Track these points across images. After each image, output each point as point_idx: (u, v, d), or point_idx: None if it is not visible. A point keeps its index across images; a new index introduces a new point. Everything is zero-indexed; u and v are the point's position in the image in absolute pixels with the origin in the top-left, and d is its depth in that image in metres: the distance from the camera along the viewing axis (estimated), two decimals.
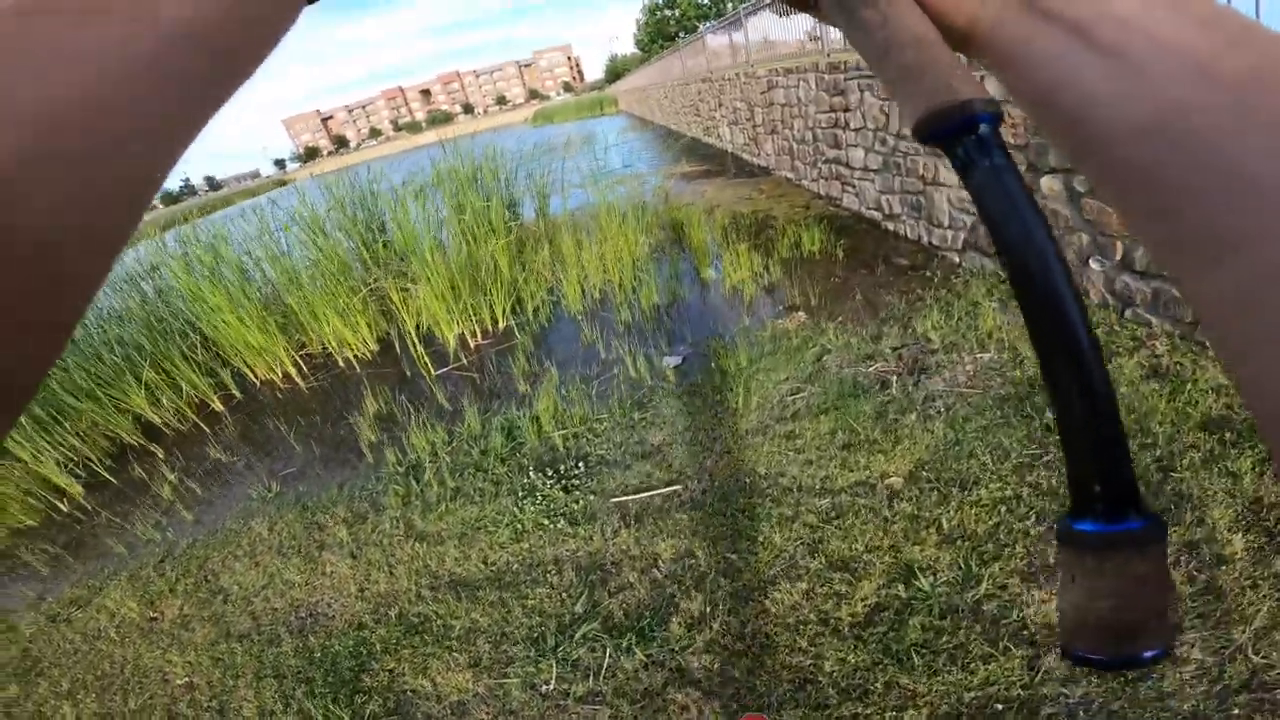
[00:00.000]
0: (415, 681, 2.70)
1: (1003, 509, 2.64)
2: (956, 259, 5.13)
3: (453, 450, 4.19)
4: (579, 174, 7.93)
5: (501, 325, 5.79)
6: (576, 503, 3.37)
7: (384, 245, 6.36)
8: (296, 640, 3.12)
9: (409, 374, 5.34)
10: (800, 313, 4.76)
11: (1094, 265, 3.86)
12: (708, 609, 2.59)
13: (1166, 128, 0.23)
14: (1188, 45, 0.23)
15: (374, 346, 6.12)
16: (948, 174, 4.94)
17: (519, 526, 3.33)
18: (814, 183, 8.15)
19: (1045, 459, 2.83)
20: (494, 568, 3.17)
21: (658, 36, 39.63)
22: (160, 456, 5.46)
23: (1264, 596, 2.10)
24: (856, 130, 6.44)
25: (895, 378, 3.67)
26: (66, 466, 5.36)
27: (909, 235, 5.86)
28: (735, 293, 5.51)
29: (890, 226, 6.21)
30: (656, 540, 2.99)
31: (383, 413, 4.97)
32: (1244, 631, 2.01)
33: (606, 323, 5.43)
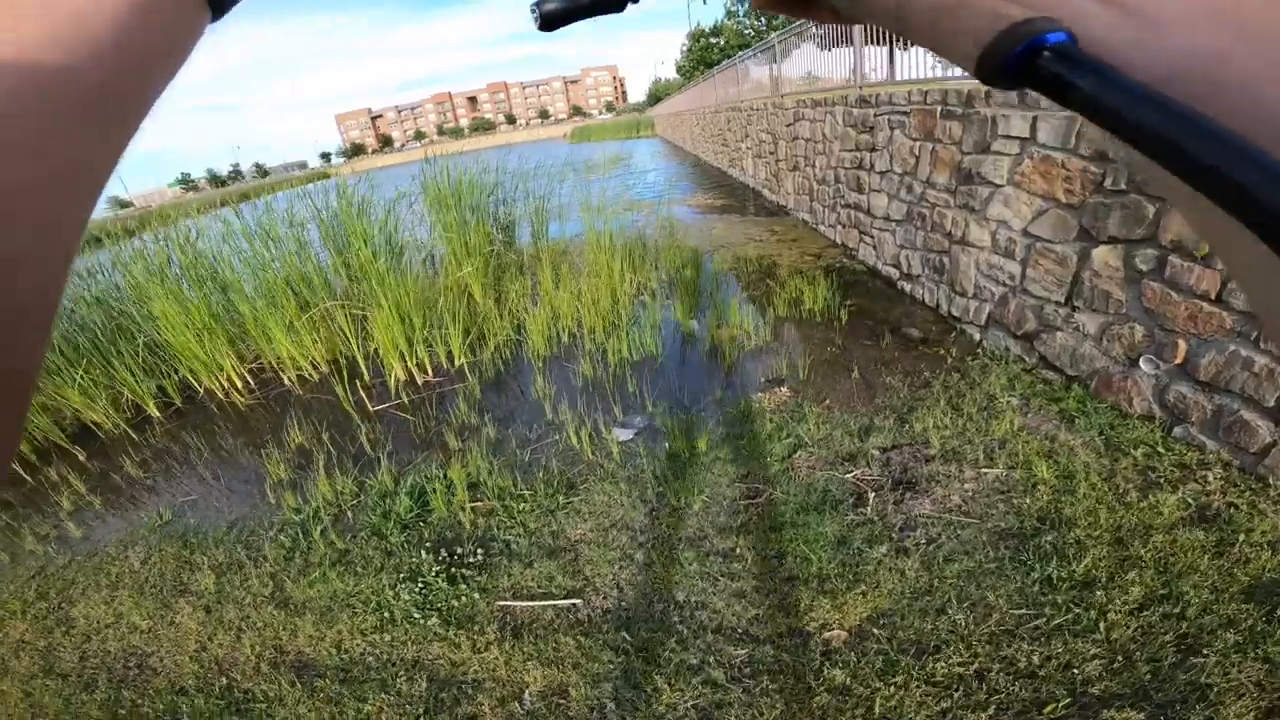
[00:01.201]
0: None
1: (958, 691, 2.12)
2: (977, 336, 4.60)
3: (357, 505, 3.81)
4: (594, 196, 7.63)
5: (458, 362, 5.43)
6: (459, 598, 2.93)
7: (353, 262, 6.10)
8: (111, 691, 2.85)
9: (345, 407, 5.01)
10: (784, 388, 4.28)
11: (1145, 366, 3.31)
12: None
13: (1189, 76, 0.22)
14: None
15: (324, 369, 5.84)
16: (979, 232, 4.45)
17: (388, 614, 2.92)
18: (831, 228, 7.77)
19: (1033, 625, 2.29)
20: (345, 656, 2.77)
21: (700, 63, 40.26)
22: (80, 459, 5.24)
23: None
24: (881, 173, 6.02)
25: (874, 492, 3.15)
26: None
27: (926, 300, 5.37)
28: (716, 353, 5.06)
29: (906, 288, 5.74)
30: (529, 665, 2.52)
31: (304, 446, 4.64)
32: None
33: (565, 375, 5.04)
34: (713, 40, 42.37)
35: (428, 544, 3.32)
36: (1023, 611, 2.35)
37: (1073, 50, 0.22)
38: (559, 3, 0.38)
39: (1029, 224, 3.97)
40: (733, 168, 15.27)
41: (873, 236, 6.39)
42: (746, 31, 38.71)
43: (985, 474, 3.15)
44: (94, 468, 5.08)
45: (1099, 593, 2.36)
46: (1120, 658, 2.11)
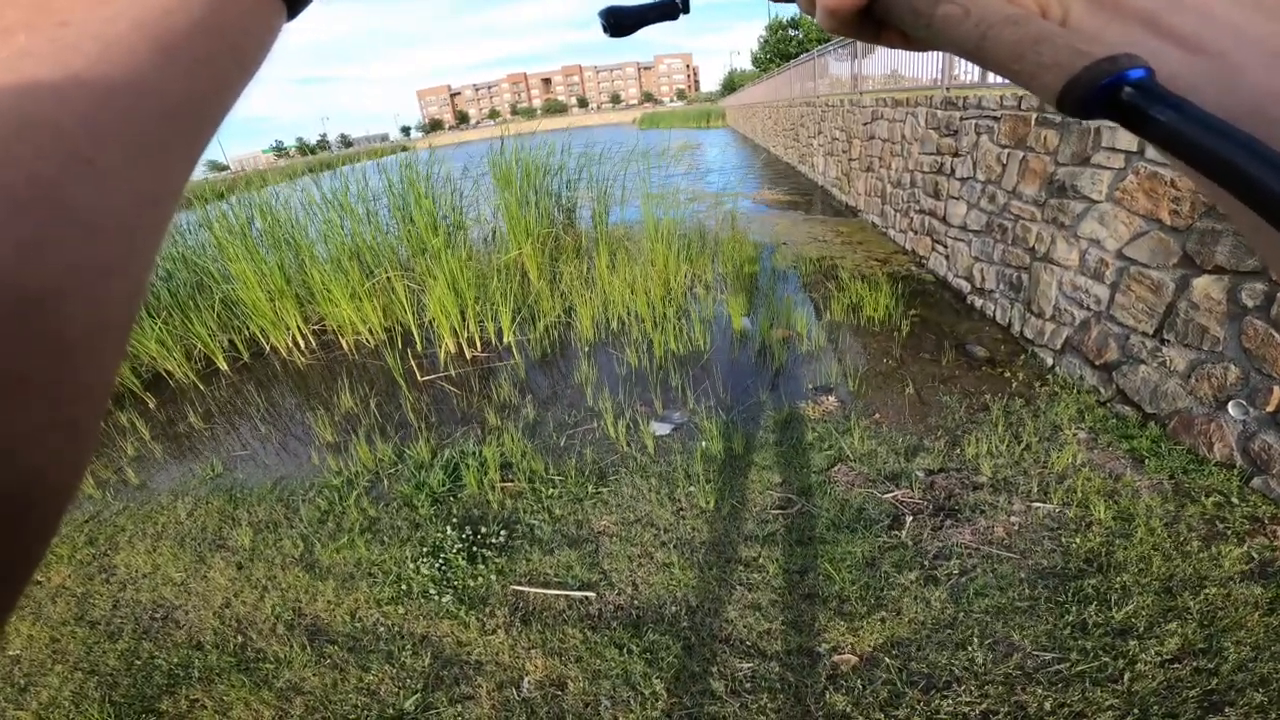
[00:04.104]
0: None
1: None
2: (1050, 361, 4.39)
3: (394, 474, 3.97)
4: (654, 185, 7.66)
5: (506, 339, 5.57)
6: (475, 578, 3.02)
7: (415, 234, 6.35)
8: (132, 641, 3.03)
9: (395, 375, 5.21)
10: (832, 397, 4.19)
11: (1233, 410, 3.09)
12: None
13: (1263, 114, 0.24)
14: (1267, 33, 0.26)
15: (381, 335, 6.09)
16: (1066, 250, 4.22)
17: (405, 587, 3.03)
18: (901, 234, 7.57)
19: (1055, 669, 2.19)
20: (358, 625, 2.90)
21: (777, 55, 39.20)
22: (149, 406, 5.63)
23: None
24: (962, 180, 5.79)
25: (913, 516, 3.06)
26: None
27: (998, 318, 5.16)
28: (766, 354, 5.01)
29: (978, 303, 5.53)
30: (533, 653, 2.58)
31: (352, 410, 4.86)
32: None
33: (610, 363, 5.10)
34: (791, 33, 41.27)
35: (454, 519, 3.43)
36: (1047, 655, 2.25)
37: (1154, 86, 0.23)
38: (625, 11, 0.43)
39: (1125, 245, 3.74)
40: (802, 164, 15.04)
41: (946, 246, 6.16)
42: None
43: (1036, 508, 3.01)
44: (160, 416, 5.46)
45: (1133, 642, 2.24)
46: (1136, 710, 2.01)
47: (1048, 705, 2.06)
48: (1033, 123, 4.56)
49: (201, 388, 5.87)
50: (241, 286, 6.14)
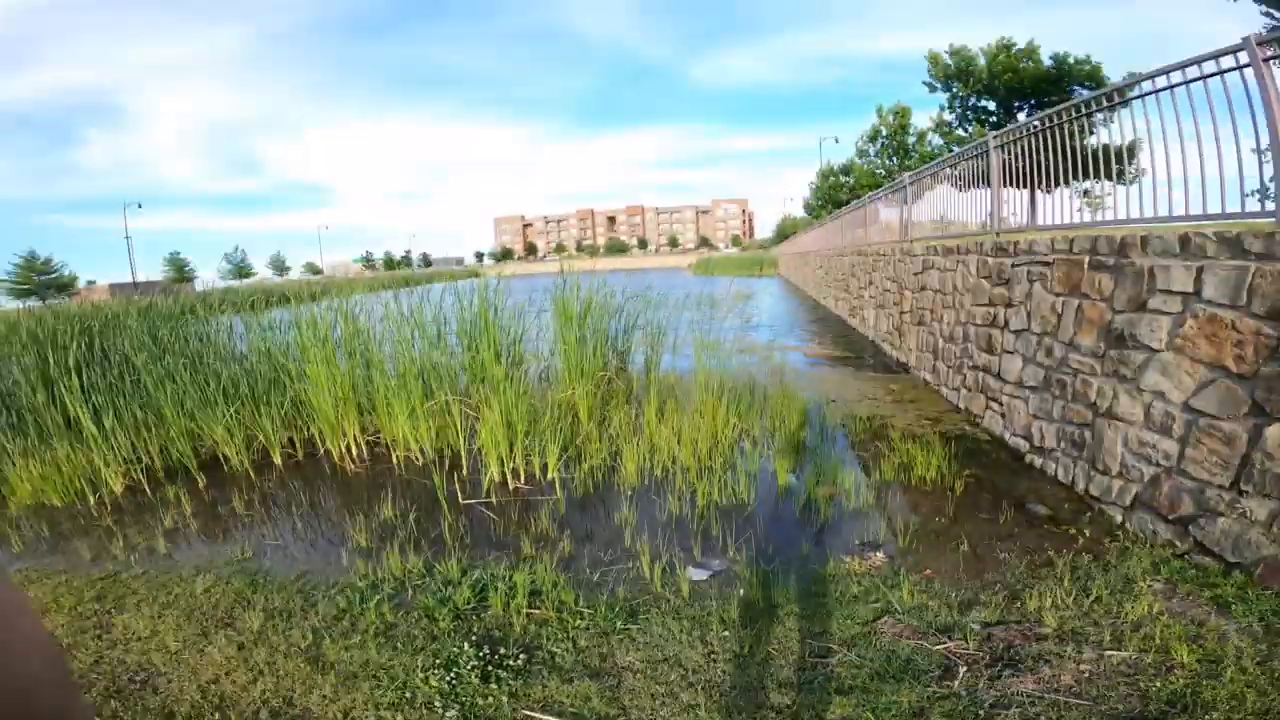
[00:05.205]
0: None
1: None
2: (1119, 518, 4.05)
3: (420, 586, 3.80)
4: (709, 334, 7.76)
5: (551, 474, 5.48)
6: (486, 697, 2.77)
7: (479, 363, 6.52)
8: (101, 698, 2.91)
9: (439, 495, 5.10)
10: (879, 553, 3.92)
11: None
12: None
13: None
14: None
15: (432, 455, 6.10)
16: (1129, 405, 3.98)
17: (409, 695, 2.81)
18: (954, 391, 7.27)
19: None
20: None
21: (828, 202, 39.15)
22: (199, 485, 5.82)
23: None
24: (1016, 333, 5.61)
25: (967, 666, 2.73)
26: (127, 464, 5.92)
27: (1060, 477, 4.82)
28: (811, 510, 4.77)
29: (1037, 462, 5.20)
30: None
31: (390, 522, 4.79)
32: None
33: (651, 508, 4.92)
34: (843, 179, 41.27)
35: (474, 636, 3.22)
36: None
37: None
38: None
39: (1190, 397, 3.54)
40: (853, 317, 14.87)
41: (1001, 403, 5.92)
42: (878, 172, 35.99)
43: (1109, 656, 2.70)
44: (207, 496, 5.62)
45: None
46: None
47: None
48: (1086, 266, 4.48)
49: (253, 476, 5.96)
50: (313, 389, 6.30)
